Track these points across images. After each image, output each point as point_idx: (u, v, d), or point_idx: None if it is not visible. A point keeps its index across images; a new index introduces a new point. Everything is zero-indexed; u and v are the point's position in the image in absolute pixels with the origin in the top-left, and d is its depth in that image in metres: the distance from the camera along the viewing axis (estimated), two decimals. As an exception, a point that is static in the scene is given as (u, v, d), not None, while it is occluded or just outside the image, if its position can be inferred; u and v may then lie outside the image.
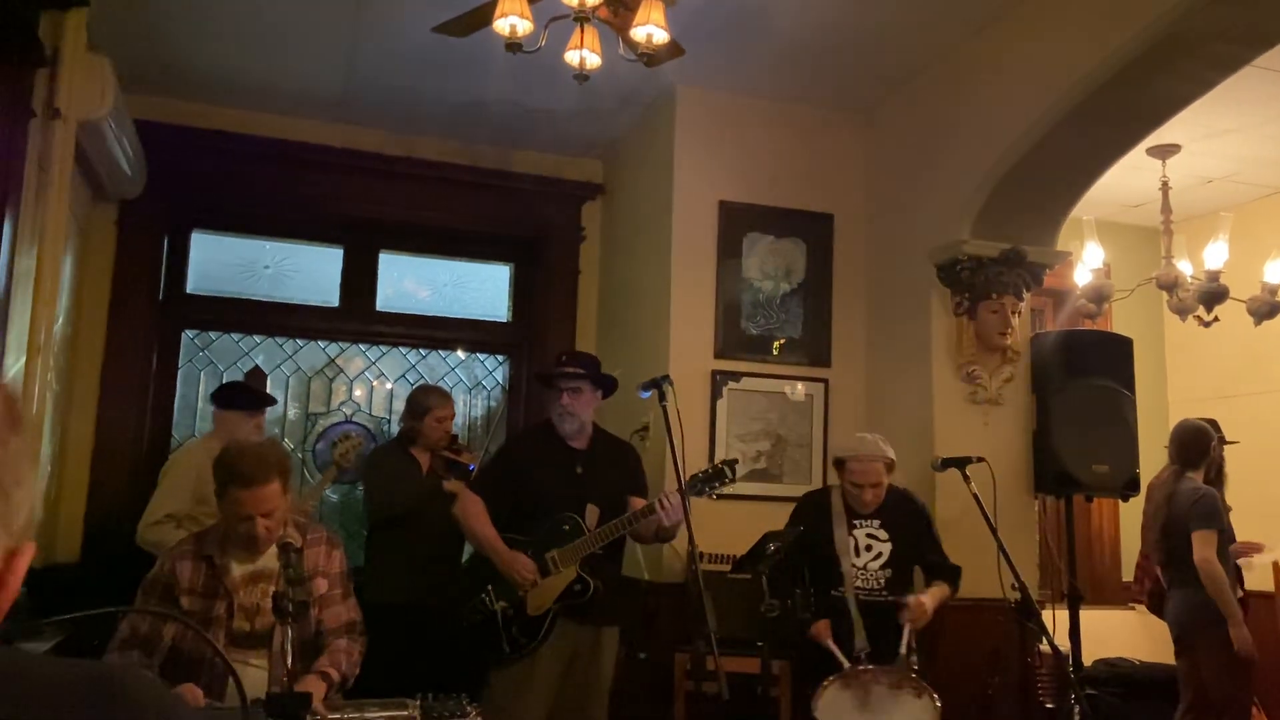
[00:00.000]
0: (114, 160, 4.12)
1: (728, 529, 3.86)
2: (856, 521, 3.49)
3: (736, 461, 3.44)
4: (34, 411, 3.34)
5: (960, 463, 3.33)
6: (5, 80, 3.15)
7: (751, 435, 4.39)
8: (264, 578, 2.56)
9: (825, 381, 4.52)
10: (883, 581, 3.43)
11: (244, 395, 4.16)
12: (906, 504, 3.57)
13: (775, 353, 4.48)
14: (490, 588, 3.38)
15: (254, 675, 2.46)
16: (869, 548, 3.46)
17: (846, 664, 3.17)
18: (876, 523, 3.49)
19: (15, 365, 3.25)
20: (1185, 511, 4.14)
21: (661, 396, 2.94)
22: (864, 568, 3.44)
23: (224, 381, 4.84)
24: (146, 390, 4.67)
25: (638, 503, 3.52)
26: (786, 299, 4.53)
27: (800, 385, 4.50)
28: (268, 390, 4.94)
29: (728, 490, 4.23)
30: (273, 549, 2.58)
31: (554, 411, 3.53)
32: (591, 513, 3.41)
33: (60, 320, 3.87)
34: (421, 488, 4.12)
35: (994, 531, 3.19)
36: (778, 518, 4.29)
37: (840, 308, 4.59)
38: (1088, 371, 4.18)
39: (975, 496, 3.26)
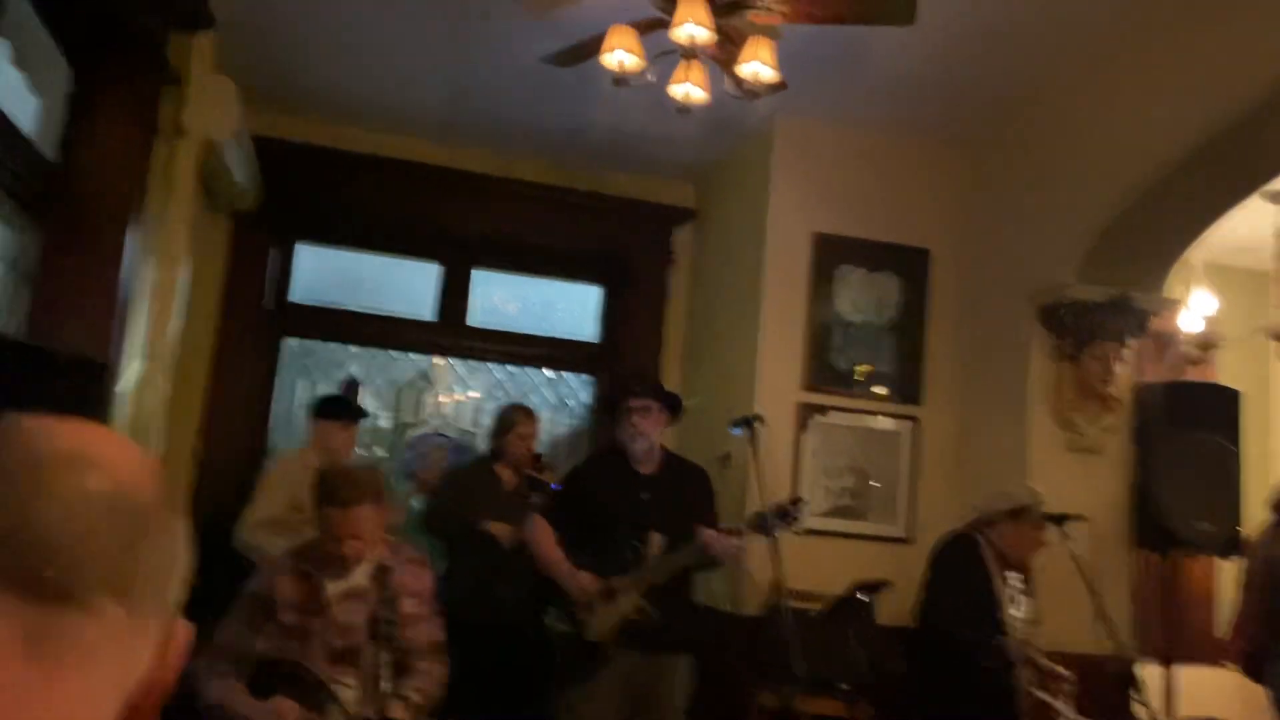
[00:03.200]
0: (231, 175, 4.28)
1: (809, 565, 3.82)
2: (1007, 573, 3.39)
3: (804, 500, 3.37)
4: (147, 419, 3.49)
5: (1059, 519, 3.24)
6: (134, 99, 3.30)
7: (837, 470, 4.34)
8: (357, 596, 2.63)
9: (915, 419, 4.45)
10: (1030, 635, 3.33)
11: (338, 407, 4.27)
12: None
13: (860, 379, 4.42)
14: (553, 610, 3.38)
15: (345, 694, 2.52)
16: (1013, 600, 3.37)
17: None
18: (1019, 576, 3.40)
19: (133, 371, 3.40)
20: None
21: (751, 435, 2.94)
22: (1016, 619, 3.34)
23: (319, 390, 4.99)
24: (249, 396, 4.83)
25: (703, 532, 3.48)
26: (878, 334, 4.48)
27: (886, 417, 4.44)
28: (361, 399, 5.07)
29: (811, 525, 4.21)
30: (365, 567, 2.65)
31: (623, 433, 3.50)
32: (655, 540, 3.38)
33: (175, 327, 4.03)
34: (502, 505, 4.16)
35: (1093, 592, 3.08)
36: (861, 556, 4.26)
37: (934, 345, 4.52)
38: (1193, 424, 4.03)
39: (1075, 556, 3.17)
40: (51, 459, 0.65)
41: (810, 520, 4.21)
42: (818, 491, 4.28)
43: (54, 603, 0.61)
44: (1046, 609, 3.44)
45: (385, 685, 2.36)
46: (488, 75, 4.29)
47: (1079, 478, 3.96)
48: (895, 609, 3.83)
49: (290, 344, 5.11)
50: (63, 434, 0.68)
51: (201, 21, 3.55)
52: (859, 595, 3.14)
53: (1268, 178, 3.57)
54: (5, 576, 0.61)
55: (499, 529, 4.02)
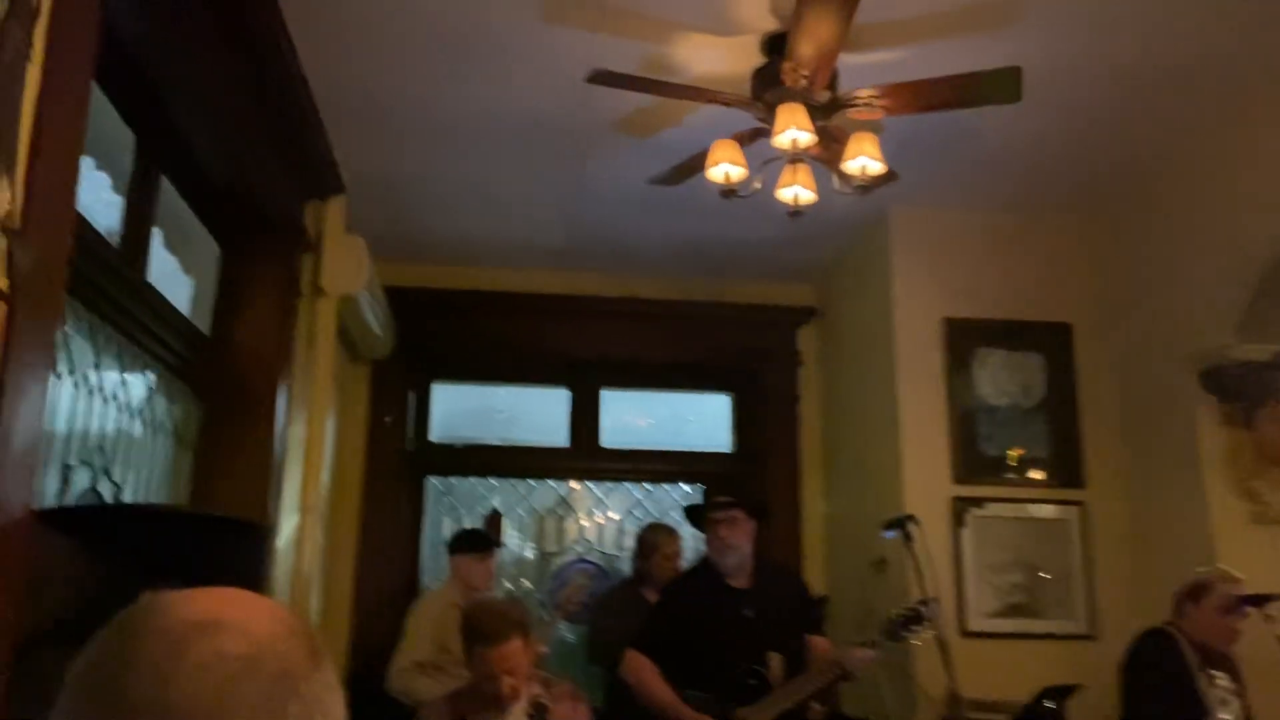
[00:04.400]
0: (367, 326, 4.49)
1: (983, 671, 3.57)
2: (1212, 671, 3.08)
3: (934, 600, 3.16)
4: (305, 571, 3.60)
5: (1256, 600, 2.94)
6: (277, 266, 3.52)
7: (1002, 566, 4.08)
8: (515, 736, 2.58)
9: (1080, 504, 4.17)
10: None
11: (472, 539, 4.30)
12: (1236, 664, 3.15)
13: (1014, 465, 4.18)
14: None
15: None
16: (1224, 702, 3.05)
17: None
18: (1225, 675, 3.09)
19: (289, 526, 3.53)
20: None
21: (907, 537, 2.80)
22: None
23: (465, 524, 5.07)
24: (398, 538, 4.95)
25: (816, 642, 3.29)
26: (1027, 416, 4.26)
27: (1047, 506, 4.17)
28: (504, 530, 5.12)
29: (981, 627, 3.96)
30: (521, 705, 2.61)
31: (712, 548, 3.34)
32: (775, 661, 3.17)
33: (325, 478, 4.19)
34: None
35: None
36: (1039, 657, 3.95)
37: (1089, 422, 4.26)
38: (1399, 482, 3.64)
39: (1229, 655, 2.86)
40: (185, 627, 0.65)
41: (980, 621, 3.98)
42: (984, 590, 4.03)
43: None
44: (1256, 706, 3.09)
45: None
46: (599, 202, 4.41)
47: (1270, 552, 3.61)
48: (1092, 713, 3.52)
49: (433, 482, 5.24)
50: (197, 601, 0.68)
51: (334, 189, 3.81)
52: (1046, 703, 2.89)
53: None
54: None
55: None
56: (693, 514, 3.52)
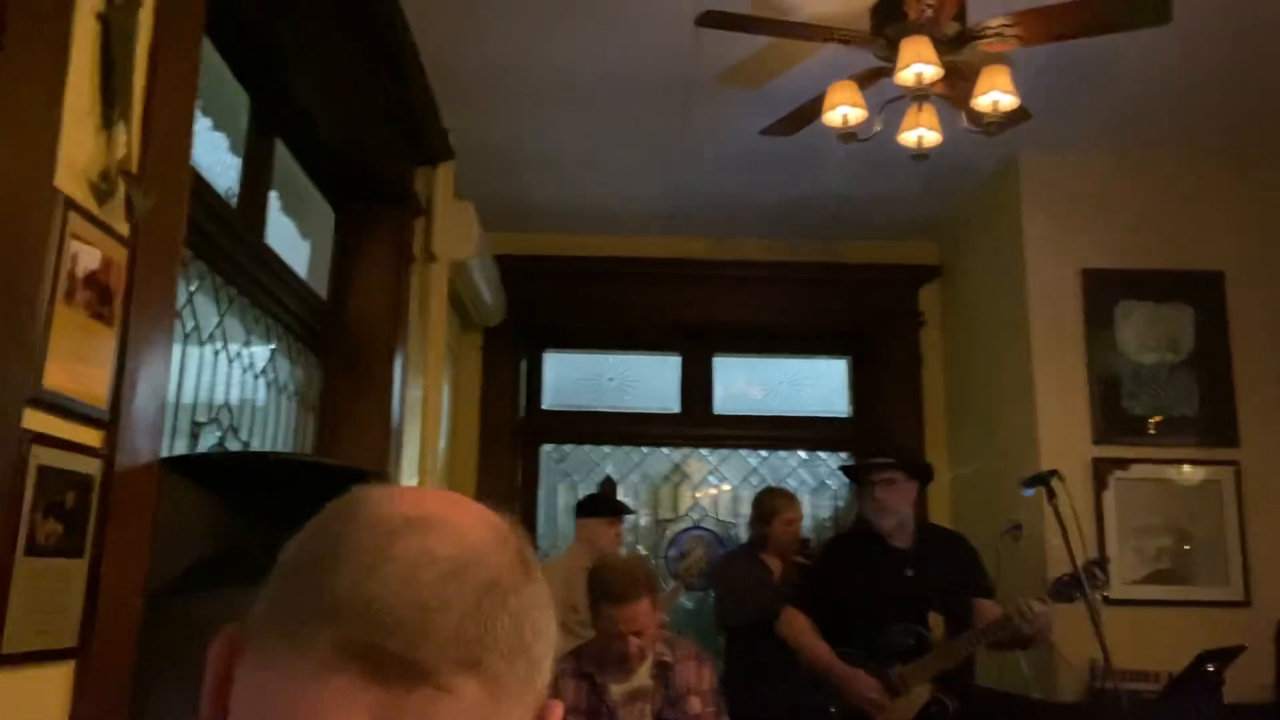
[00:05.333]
0: (478, 293, 4.49)
1: (1129, 640, 3.36)
2: None
3: (1106, 560, 3.00)
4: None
5: None
6: (390, 232, 3.53)
7: (1149, 530, 3.82)
8: (641, 696, 2.53)
9: (1235, 464, 3.86)
10: None
11: (603, 504, 4.29)
12: None
13: (1161, 424, 3.91)
14: (833, 710, 3.10)
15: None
16: None
17: None
18: None
19: (407, 488, 3.55)
20: None
21: (1050, 494, 2.62)
22: None
23: (579, 493, 5.05)
24: (513, 504, 4.96)
25: (985, 605, 3.14)
26: (1175, 372, 3.96)
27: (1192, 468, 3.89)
28: (619, 496, 5.09)
29: (1128, 594, 3.74)
30: (646, 666, 2.55)
31: (868, 509, 3.25)
32: (936, 622, 3.08)
33: (442, 444, 4.22)
34: (773, 594, 3.99)
35: None
36: (1190, 625, 3.70)
37: (1245, 378, 3.94)
38: None
39: None
40: (396, 520, 0.60)
41: (1125, 588, 3.75)
42: (1129, 555, 3.79)
43: (401, 681, 0.54)
44: None
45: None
46: (705, 161, 4.29)
47: None
48: (1247, 681, 3.27)
49: (546, 450, 5.23)
50: (410, 496, 0.64)
51: (442, 154, 3.80)
52: (1206, 667, 2.67)
53: None
54: (347, 653, 0.54)
55: None
56: (851, 472, 3.46)
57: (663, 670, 2.36)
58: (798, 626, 3.24)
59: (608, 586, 2.52)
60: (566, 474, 5.21)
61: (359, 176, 3.33)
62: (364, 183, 3.36)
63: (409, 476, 3.54)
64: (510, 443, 4.99)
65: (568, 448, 5.24)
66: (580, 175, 4.49)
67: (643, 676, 2.53)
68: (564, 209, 4.85)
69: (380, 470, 3.07)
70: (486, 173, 4.29)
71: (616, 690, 2.54)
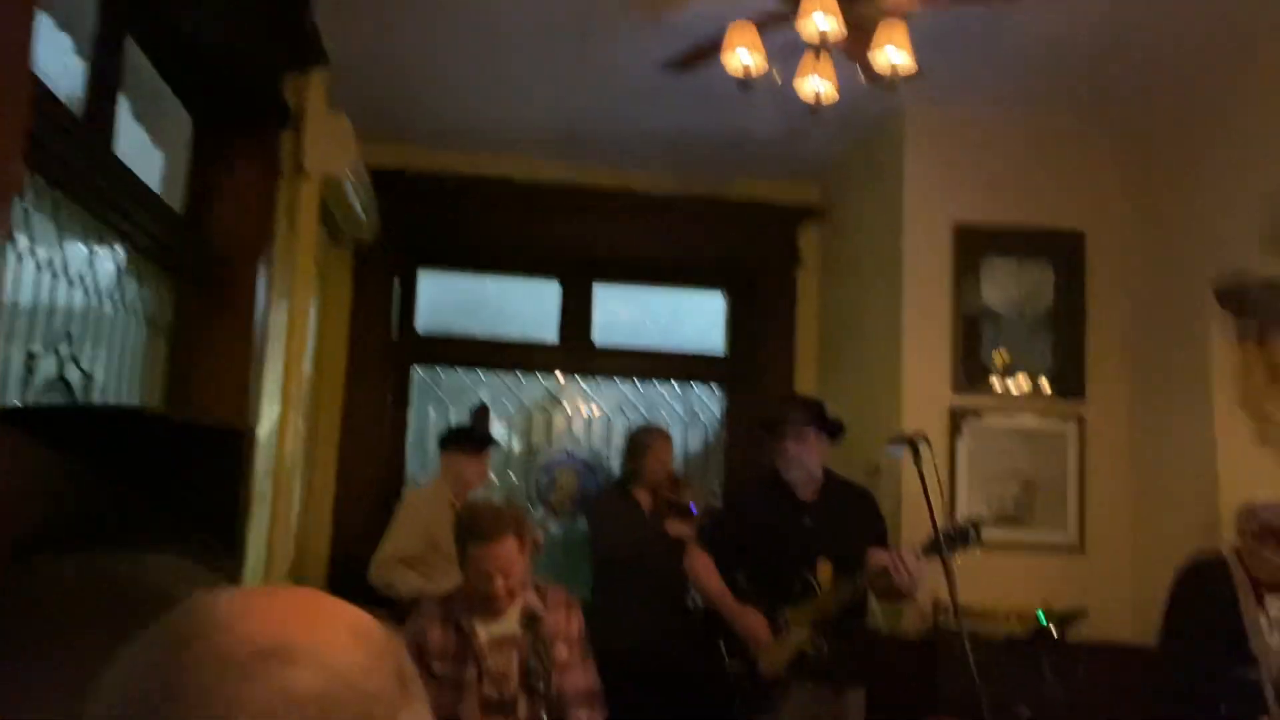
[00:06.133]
0: (351, 209, 4.28)
1: (971, 580, 3.54)
2: (1268, 597, 3.01)
3: (983, 520, 3.15)
4: (287, 461, 3.49)
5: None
6: (255, 144, 3.29)
7: (997, 477, 4.04)
8: (510, 643, 2.53)
9: (1080, 417, 4.10)
10: None
11: (466, 436, 4.22)
12: None
13: (1015, 377, 4.09)
14: (722, 644, 3.26)
15: (501, 746, 2.42)
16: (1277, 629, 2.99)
17: None
18: None
19: (270, 416, 3.40)
20: None
21: (916, 456, 2.71)
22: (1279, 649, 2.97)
23: (451, 418, 4.97)
24: (382, 427, 4.84)
25: (877, 555, 3.29)
26: (1033, 327, 4.15)
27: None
28: (491, 425, 5.03)
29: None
30: (514, 612, 2.54)
31: (779, 460, 3.37)
32: (824, 569, 3.22)
33: (307, 366, 4.05)
34: (643, 531, 4.06)
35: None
36: (1028, 567, 3.95)
37: (1096, 335, 4.16)
38: (1407, 406, 3.57)
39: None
40: (248, 654, 0.51)
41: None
42: (976, 500, 3.99)
43: None
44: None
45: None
46: (600, 89, 4.16)
47: (1275, 472, 3.56)
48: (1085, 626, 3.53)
49: (419, 373, 5.11)
50: (263, 616, 0.54)
51: (315, 60, 3.54)
52: (1048, 627, 2.86)
53: None
54: None
55: (677, 530, 3.98)
56: (765, 423, 3.51)
57: (531, 620, 2.36)
58: (700, 565, 3.36)
59: (474, 526, 2.50)
60: (439, 399, 5.11)
61: (222, 82, 3.07)
62: (227, 89, 3.11)
63: (270, 403, 3.38)
64: (381, 365, 4.84)
65: (441, 372, 5.13)
66: (467, 92, 4.29)
67: (511, 623, 2.52)
68: (448, 125, 4.64)
69: (236, 415, 2.92)
70: (364, 81, 4.04)
71: (484, 635, 2.53)
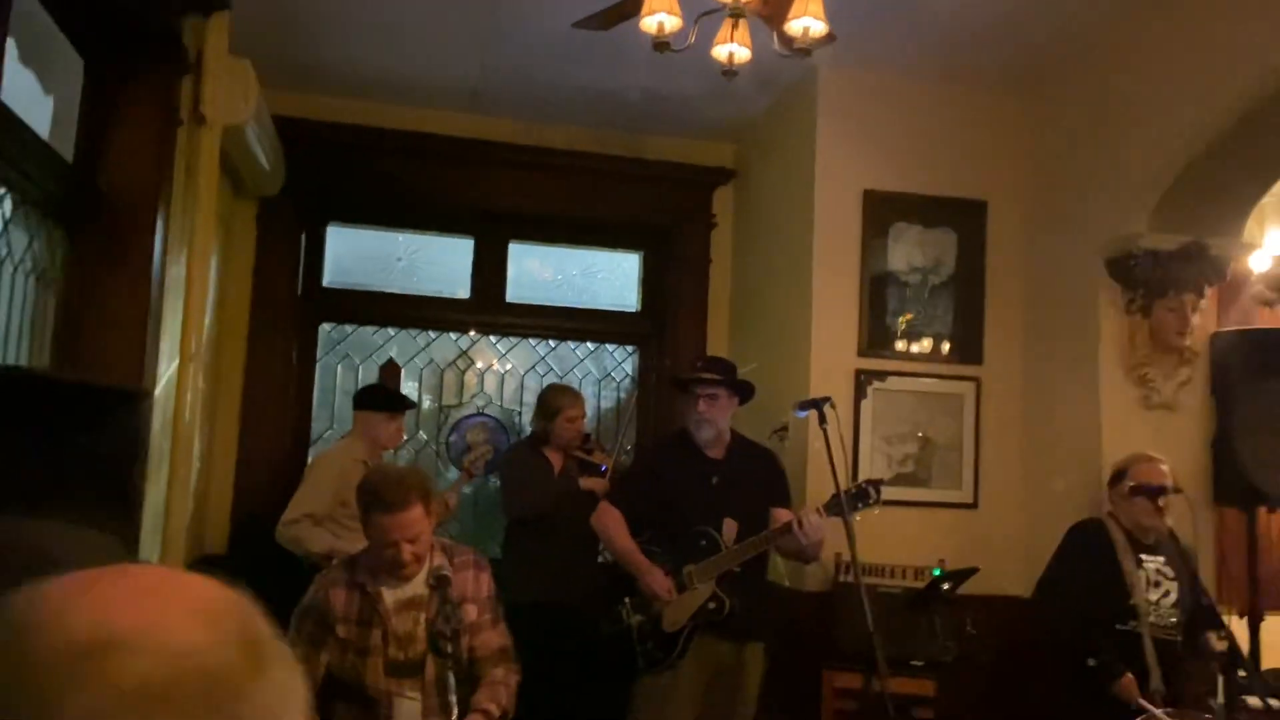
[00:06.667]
0: (255, 159, 4.14)
1: (872, 536, 3.68)
2: (1143, 555, 3.20)
3: (883, 481, 3.27)
4: (186, 419, 3.39)
5: (1152, 491, 3.06)
6: (152, 90, 3.15)
7: (898, 437, 4.18)
8: (416, 605, 2.53)
9: (977, 380, 4.26)
10: (1173, 623, 3.15)
11: (384, 397, 4.17)
12: (1179, 545, 3.29)
13: (918, 340, 4.22)
14: (628, 600, 3.34)
15: (409, 707, 2.43)
16: (1158, 584, 3.19)
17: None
18: (1162, 559, 3.21)
19: (167, 372, 3.30)
20: None
21: (821, 419, 2.79)
22: (1156, 603, 3.16)
23: (360, 375, 4.90)
24: (287, 384, 4.74)
25: (781, 514, 3.39)
26: (936, 292, 4.27)
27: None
28: (401, 382, 4.98)
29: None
30: (422, 574, 2.54)
31: (690, 419, 3.44)
32: (729, 527, 3.31)
33: (208, 322, 3.93)
34: (555, 490, 4.09)
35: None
36: (925, 524, 4.11)
37: (994, 301, 4.31)
38: (1273, 373, 3.81)
39: (1171, 536, 3.00)
40: (70, 654, 0.48)
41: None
42: (879, 460, 4.13)
43: None
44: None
45: (454, 700, 2.26)
46: (517, 43, 4.09)
47: (1155, 436, 3.76)
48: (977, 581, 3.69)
49: (326, 330, 5.00)
50: (83, 605, 0.50)
51: (217, 2, 3.39)
52: (943, 586, 3.00)
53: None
54: None
55: (591, 484, 4.07)
56: (679, 383, 3.57)
57: (440, 581, 2.36)
58: (608, 521, 3.41)
59: (379, 494, 2.47)
60: (346, 354, 5.01)
61: (116, 24, 2.92)
62: (122, 31, 2.96)
63: (168, 360, 3.28)
64: (286, 321, 4.72)
65: (349, 328, 5.03)
66: (380, 41, 4.17)
67: (418, 585, 2.52)
68: (359, 74, 4.51)
69: (132, 373, 2.82)
70: (270, 27, 3.91)
71: (389, 598, 2.53)
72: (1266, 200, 4.16)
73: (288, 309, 4.74)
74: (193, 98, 3.38)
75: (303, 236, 4.85)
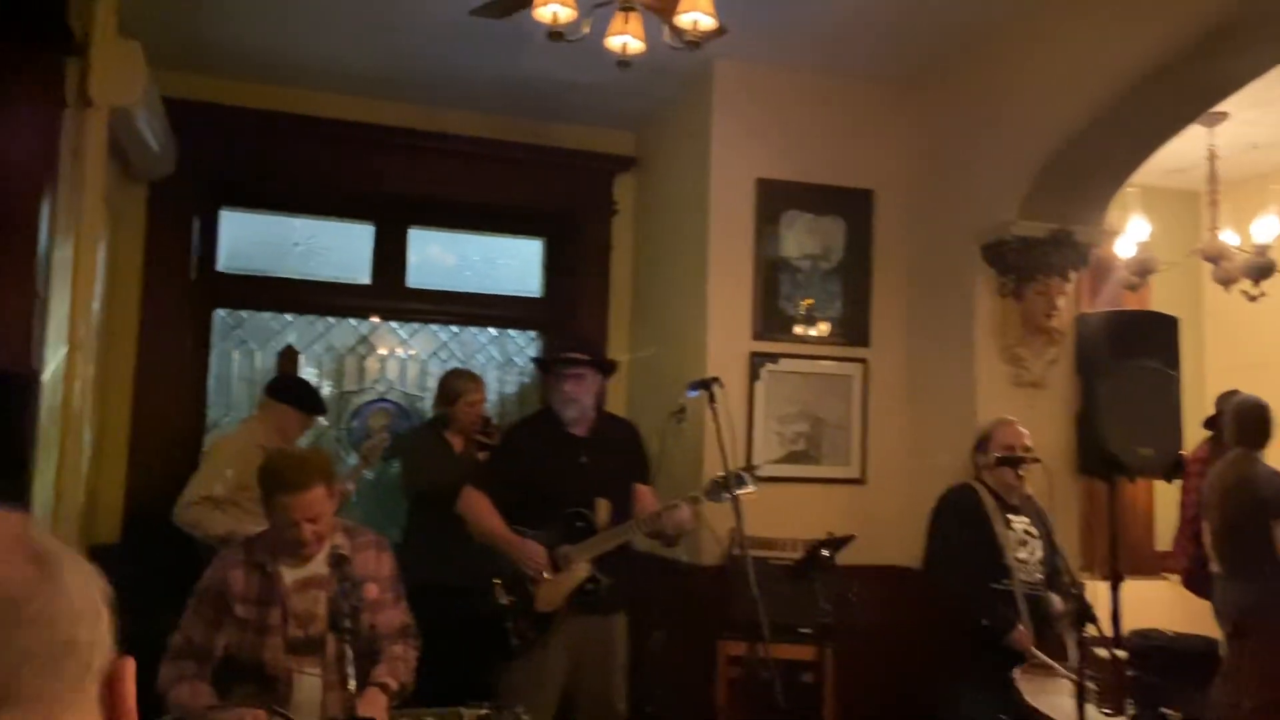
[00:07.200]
0: (144, 142, 4.06)
1: (767, 512, 3.84)
2: (1010, 516, 3.39)
3: (757, 466, 3.40)
4: (75, 405, 3.33)
5: (1013, 461, 3.29)
6: (37, 72, 3.08)
7: (790, 417, 4.35)
8: (316, 584, 2.56)
9: (864, 362, 4.46)
10: (1039, 579, 3.34)
11: (303, 395, 4.11)
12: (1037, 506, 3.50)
13: (809, 324, 4.40)
14: (498, 582, 3.31)
15: (309, 684, 2.47)
16: (1025, 543, 3.38)
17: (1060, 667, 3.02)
18: (1027, 519, 3.41)
19: (56, 358, 3.24)
20: (1259, 496, 3.98)
21: (711, 398, 2.91)
22: (1024, 562, 3.35)
23: (257, 362, 4.85)
24: (181, 371, 4.66)
25: (643, 492, 3.47)
26: (825, 278, 4.46)
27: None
28: (300, 367, 4.94)
29: (768, 473, 4.23)
30: (322, 554, 2.58)
31: (555, 399, 3.46)
32: (602, 507, 3.36)
33: (96, 307, 3.85)
34: (456, 471, 4.12)
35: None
36: (816, 499, 4.30)
37: (880, 287, 4.52)
38: (1133, 352, 4.08)
39: (1030, 497, 3.23)
40: None
41: (767, 468, 4.25)
42: (771, 439, 4.30)
43: None
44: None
45: (352, 673, 2.31)
46: (417, 27, 4.10)
47: (1026, 412, 4.00)
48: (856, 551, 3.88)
49: (221, 315, 4.93)
50: None
51: (103, -19, 3.33)
52: (823, 553, 3.17)
53: (1204, 108, 3.60)
54: None
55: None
56: (542, 363, 3.58)
57: (339, 560, 2.40)
58: (476, 504, 3.37)
59: (281, 476, 2.50)
60: (243, 341, 4.95)
61: (1, 4, 2.86)
62: (6, 12, 2.89)
63: (56, 347, 3.22)
64: (179, 307, 4.63)
65: (245, 314, 4.96)
66: (276, 22, 4.12)
67: (319, 564, 2.56)
68: (255, 57, 4.45)
69: (19, 358, 2.78)
70: (161, 6, 3.83)
71: (289, 577, 2.56)
72: (1129, 190, 4.48)
73: (180, 295, 4.66)
74: (79, 79, 3.31)
75: (196, 221, 4.76)
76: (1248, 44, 3.17)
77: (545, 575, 3.25)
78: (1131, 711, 2.87)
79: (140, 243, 4.55)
